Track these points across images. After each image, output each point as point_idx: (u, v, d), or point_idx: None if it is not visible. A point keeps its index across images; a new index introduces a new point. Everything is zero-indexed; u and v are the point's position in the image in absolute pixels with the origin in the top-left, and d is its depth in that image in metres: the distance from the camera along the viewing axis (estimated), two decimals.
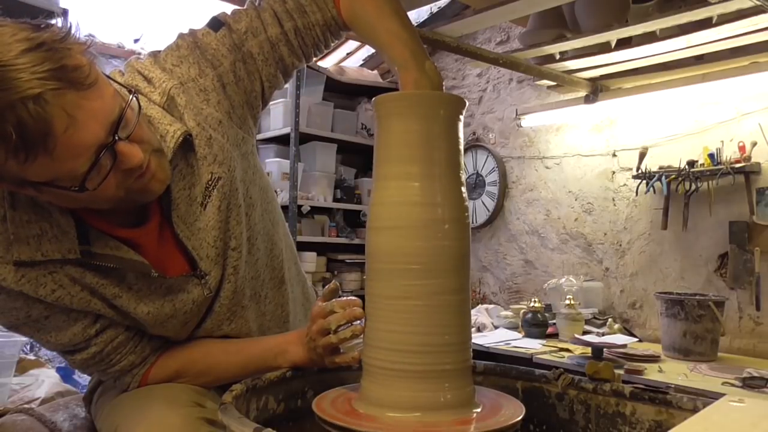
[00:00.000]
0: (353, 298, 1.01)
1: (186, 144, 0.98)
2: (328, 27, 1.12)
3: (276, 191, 3.63)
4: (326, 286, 1.06)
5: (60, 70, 0.76)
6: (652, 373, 2.24)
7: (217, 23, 1.07)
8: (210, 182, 1.01)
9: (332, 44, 1.18)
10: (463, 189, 0.91)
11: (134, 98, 0.86)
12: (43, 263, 0.89)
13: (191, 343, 1.10)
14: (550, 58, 2.70)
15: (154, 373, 1.07)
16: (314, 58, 1.18)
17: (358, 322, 0.98)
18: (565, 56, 2.68)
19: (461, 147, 0.92)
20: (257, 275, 1.13)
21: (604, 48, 2.51)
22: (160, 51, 1.06)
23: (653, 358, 2.43)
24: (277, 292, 1.19)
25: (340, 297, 1.04)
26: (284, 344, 1.06)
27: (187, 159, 0.99)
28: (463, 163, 0.92)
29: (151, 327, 1.03)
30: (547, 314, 2.99)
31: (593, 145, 3.30)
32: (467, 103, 0.94)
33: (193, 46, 1.05)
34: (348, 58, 4.44)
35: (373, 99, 0.95)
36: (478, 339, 2.79)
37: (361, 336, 0.94)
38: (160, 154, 0.91)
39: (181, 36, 1.08)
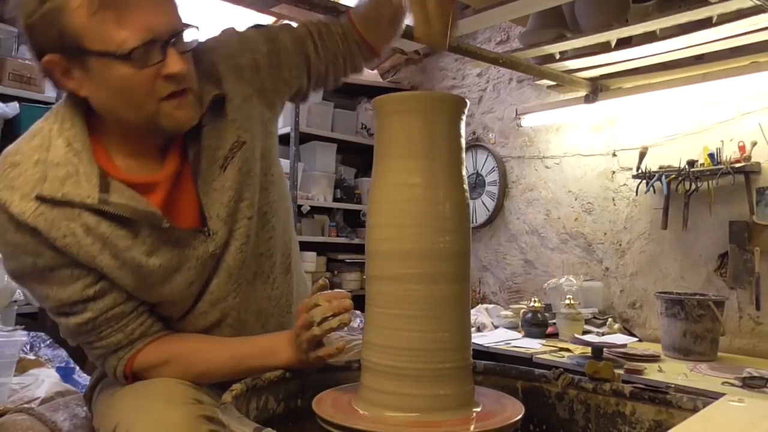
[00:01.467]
0: (341, 291, 1.00)
1: (217, 106, 1.06)
2: (345, 37, 1.23)
3: None
4: (315, 283, 1.05)
5: None
6: (652, 373, 2.24)
7: (256, 25, 1.22)
8: (235, 144, 1.07)
9: (348, 70, 1.28)
10: (465, 189, 0.91)
11: (197, 31, 0.97)
12: (61, 205, 0.94)
13: (184, 336, 1.09)
14: (550, 58, 2.70)
15: (141, 359, 1.04)
16: (331, 76, 1.27)
17: (347, 314, 0.98)
18: (565, 56, 2.68)
19: (463, 147, 0.92)
20: (269, 254, 1.15)
21: (604, 48, 2.51)
22: None
23: (653, 358, 2.43)
24: (284, 279, 1.20)
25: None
26: (277, 345, 1.04)
27: (216, 122, 1.06)
28: (464, 162, 0.92)
29: (159, 284, 1.02)
30: (547, 314, 2.99)
31: (593, 145, 3.30)
32: (468, 104, 0.95)
33: (236, 33, 1.18)
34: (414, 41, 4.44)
35: (374, 99, 0.95)
36: (478, 339, 2.79)
37: (358, 336, 0.95)
38: (196, 96, 1.00)
39: (225, 29, 1.20)
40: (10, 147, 1.00)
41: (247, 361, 1.05)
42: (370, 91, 4.13)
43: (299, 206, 3.72)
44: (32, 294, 1.02)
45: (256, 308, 1.15)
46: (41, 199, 0.93)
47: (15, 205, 0.93)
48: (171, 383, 1.04)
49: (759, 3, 1.92)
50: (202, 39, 1.03)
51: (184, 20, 0.97)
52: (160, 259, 1.01)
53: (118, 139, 1.02)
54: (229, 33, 1.18)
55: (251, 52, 1.14)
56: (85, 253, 0.96)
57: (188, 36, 0.97)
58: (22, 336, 1.91)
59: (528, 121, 3.43)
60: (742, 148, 2.68)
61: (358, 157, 4.32)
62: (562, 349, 2.63)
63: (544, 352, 2.60)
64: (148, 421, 0.94)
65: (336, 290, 1.00)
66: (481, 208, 3.75)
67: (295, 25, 1.24)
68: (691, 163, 2.78)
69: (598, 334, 2.79)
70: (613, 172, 3.21)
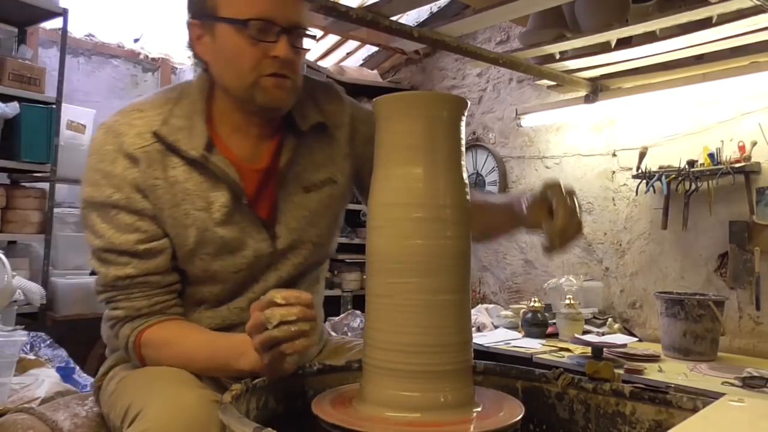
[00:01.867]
0: (304, 294, 0.91)
1: (320, 134, 1.18)
2: None
3: None
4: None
5: None
6: (652, 373, 2.24)
7: None
8: (327, 180, 1.18)
9: None
10: (466, 189, 0.91)
11: (312, 40, 1.10)
12: (168, 150, 1.06)
13: (183, 323, 1.11)
14: (550, 58, 2.70)
15: (149, 334, 1.07)
16: None
17: (310, 323, 0.90)
18: (565, 56, 2.68)
19: (463, 147, 0.92)
20: (312, 276, 1.23)
21: (604, 48, 2.51)
22: None
23: (653, 358, 2.43)
24: (308, 289, 1.21)
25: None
26: (248, 345, 0.95)
27: (314, 149, 1.17)
28: (464, 161, 0.92)
29: (212, 257, 1.09)
30: (547, 314, 2.99)
31: (593, 145, 3.30)
32: (469, 104, 0.95)
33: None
34: (348, 58, 4.44)
35: (374, 99, 0.95)
36: (478, 339, 2.79)
37: (357, 336, 0.93)
38: (295, 92, 1.10)
39: None
40: (140, 98, 1.14)
41: (220, 359, 1.03)
42: (370, 91, 4.12)
43: None
44: (90, 229, 1.08)
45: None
46: (156, 135, 1.06)
47: (128, 137, 1.06)
48: (178, 369, 1.05)
49: (759, 3, 1.92)
50: (312, 47, 1.15)
51: (308, 26, 1.09)
52: (224, 231, 1.08)
53: (231, 113, 1.12)
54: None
55: (368, 125, 1.18)
56: (166, 201, 1.06)
57: (306, 42, 1.09)
58: (22, 336, 1.91)
59: (528, 121, 3.43)
60: (742, 148, 2.68)
61: None
62: (562, 349, 2.64)
63: (544, 352, 2.60)
64: (161, 403, 0.94)
65: (300, 293, 0.91)
66: None
67: None
68: (691, 163, 2.78)
69: (598, 334, 2.79)
70: (613, 172, 3.21)
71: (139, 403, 0.97)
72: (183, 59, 4.31)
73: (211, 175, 1.08)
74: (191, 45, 1.12)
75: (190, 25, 1.10)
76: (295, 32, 1.06)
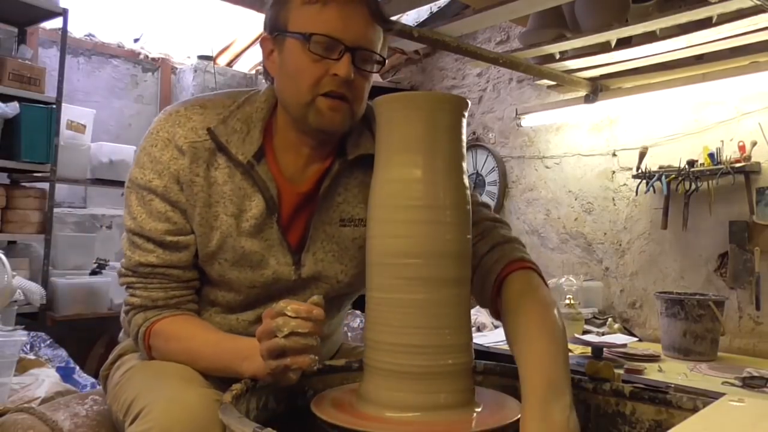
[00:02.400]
0: (317, 309, 0.90)
1: (365, 168, 1.08)
2: (481, 261, 1.10)
3: None
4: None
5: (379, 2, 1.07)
6: (652, 373, 2.24)
7: None
8: (362, 220, 1.13)
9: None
10: (466, 189, 0.91)
11: (381, 63, 1.09)
12: (218, 150, 1.07)
13: (194, 319, 1.12)
14: (550, 58, 2.70)
15: (159, 327, 1.08)
16: None
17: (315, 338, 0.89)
18: (565, 56, 2.68)
19: (464, 147, 0.92)
20: (334, 305, 1.20)
21: (604, 48, 2.51)
22: None
23: (653, 358, 2.43)
24: (330, 312, 1.19)
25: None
26: (253, 350, 0.96)
27: (356, 182, 1.14)
28: (465, 162, 0.92)
29: (230, 265, 1.09)
30: None
31: (593, 145, 3.30)
32: (469, 104, 0.95)
33: None
34: None
35: (374, 99, 0.95)
36: (478, 339, 2.79)
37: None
38: (353, 115, 1.08)
39: None
40: (208, 94, 1.16)
41: (225, 361, 1.03)
42: (371, 91, 4.12)
43: None
44: (127, 209, 1.10)
45: None
46: (210, 132, 1.07)
47: (182, 130, 1.07)
48: (182, 365, 1.05)
49: (759, 3, 1.92)
50: (378, 69, 1.11)
51: (378, 50, 1.07)
52: (247, 244, 1.08)
53: (286, 132, 1.11)
54: None
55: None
56: (200, 199, 1.07)
57: (373, 65, 1.08)
58: (22, 336, 1.91)
59: (528, 121, 3.43)
60: (742, 148, 2.68)
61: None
62: None
63: None
64: (164, 402, 0.94)
65: (311, 306, 0.90)
66: None
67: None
68: (691, 163, 2.78)
69: (598, 334, 2.79)
70: (613, 172, 3.21)
71: (142, 400, 0.97)
72: (183, 59, 4.31)
73: (252, 184, 1.08)
74: (263, 61, 1.13)
75: (262, 41, 1.11)
76: (360, 53, 1.04)
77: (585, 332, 2.80)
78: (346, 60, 1.02)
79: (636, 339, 2.84)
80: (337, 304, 1.22)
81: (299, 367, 0.90)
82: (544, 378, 0.86)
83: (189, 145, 1.07)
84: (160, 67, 4.23)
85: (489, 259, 1.09)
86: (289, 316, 0.88)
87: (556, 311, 0.96)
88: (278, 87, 1.10)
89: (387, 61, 1.18)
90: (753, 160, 2.64)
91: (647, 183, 2.91)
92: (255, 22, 3.81)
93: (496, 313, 1.07)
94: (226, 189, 1.08)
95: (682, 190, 2.80)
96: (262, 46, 1.12)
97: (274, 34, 1.08)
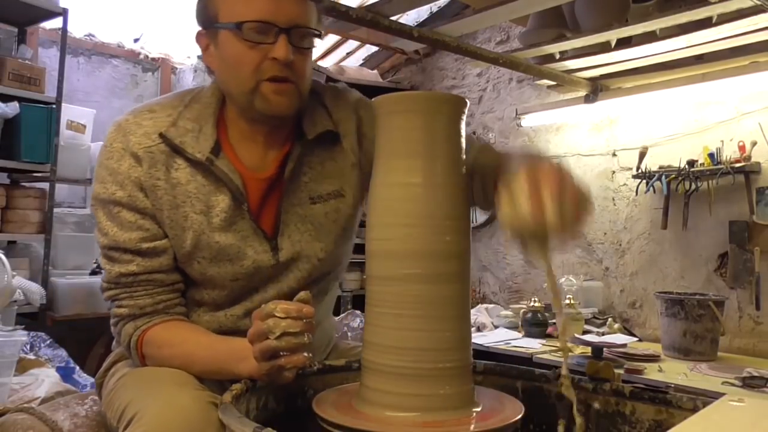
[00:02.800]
0: (306, 307, 0.90)
1: (329, 143, 1.14)
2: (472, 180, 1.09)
3: None
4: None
5: None
6: (652, 373, 2.24)
7: None
8: (333, 193, 1.15)
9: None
10: (466, 188, 0.91)
11: (319, 36, 1.08)
12: (173, 152, 1.06)
13: (185, 324, 1.11)
14: (549, 58, 2.70)
15: (152, 334, 1.07)
16: None
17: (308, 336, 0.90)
18: (565, 56, 2.68)
19: (463, 147, 0.91)
20: (319, 287, 1.19)
21: (604, 48, 2.51)
22: None
23: (653, 358, 2.43)
24: (314, 301, 1.17)
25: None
26: (247, 350, 0.96)
27: (324, 159, 1.15)
28: (465, 162, 0.92)
29: (209, 261, 1.08)
30: (547, 314, 2.99)
31: (593, 145, 3.30)
32: (469, 103, 0.94)
33: None
34: (348, 58, 4.44)
35: (374, 99, 0.95)
36: (478, 339, 2.79)
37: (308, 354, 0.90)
38: (300, 97, 1.07)
39: None
40: (154, 99, 1.16)
41: (220, 363, 1.02)
42: (370, 91, 4.10)
43: None
44: (97, 227, 1.09)
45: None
46: (163, 136, 1.06)
47: (135, 137, 1.07)
48: (176, 370, 1.05)
49: (759, 3, 1.92)
50: (315, 44, 1.10)
51: (313, 25, 1.06)
52: (221, 239, 1.08)
53: (238, 121, 1.11)
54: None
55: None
56: (165, 202, 1.06)
57: (311, 40, 1.07)
58: (22, 336, 1.91)
59: (528, 121, 3.43)
60: (742, 148, 2.68)
61: None
62: (562, 349, 2.63)
63: (544, 352, 2.60)
64: (158, 405, 0.94)
65: (299, 305, 0.90)
66: None
67: None
68: (691, 163, 2.78)
69: (598, 333, 2.79)
70: (613, 172, 3.21)
71: (136, 405, 0.96)
72: (183, 59, 4.31)
73: (215, 180, 1.07)
74: (202, 57, 1.13)
75: (198, 37, 1.11)
76: (295, 32, 1.03)
77: (585, 332, 2.80)
78: (282, 42, 1.01)
79: (636, 339, 2.84)
80: (322, 286, 1.21)
81: (294, 366, 0.90)
82: (522, 154, 0.91)
83: (144, 151, 1.06)
84: (160, 67, 4.23)
85: (481, 159, 1.08)
86: (280, 317, 0.88)
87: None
88: (221, 79, 1.10)
89: (382, 55, 1.18)
90: (753, 160, 2.64)
91: (647, 183, 2.91)
92: None
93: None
94: (190, 188, 1.07)
95: (682, 190, 2.80)
96: (198, 42, 1.11)
97: (207, 27, 1.08)
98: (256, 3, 1.01)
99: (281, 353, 0.90)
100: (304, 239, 1.13)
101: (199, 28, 1.11)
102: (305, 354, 0.90)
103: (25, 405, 1.36)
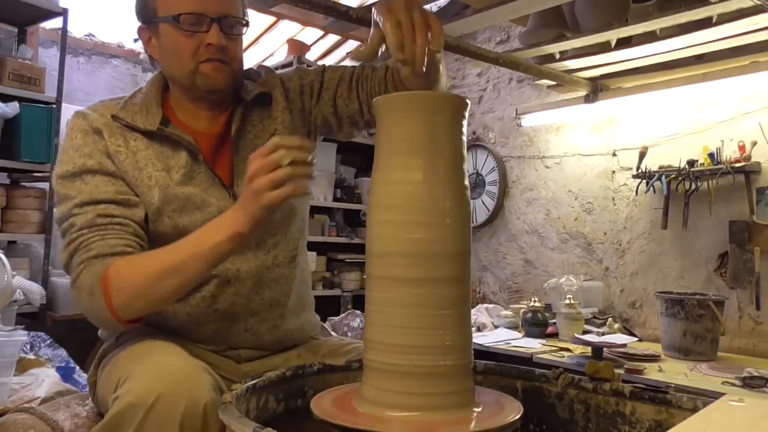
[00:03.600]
0: (306, 140, 1.00)
1: (265, 104, 1.28)
2: (385, 81, 1.29)
3: None
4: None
5: None
6: (652, 373, 2.24)
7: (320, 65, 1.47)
8: (272, 135, 1.25)
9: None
10: (466, 188, 0.91)
11: (246, 25, 1.23)
12: (127, 128, 1.19)
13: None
14: (550, 58, 2.70)
15: (116, 267, 1.04)
16: (367, 115, 1.31)
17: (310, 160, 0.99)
18: (565, 56, 2.68)
19: (464, 146, 0.92)
20: (274, 232, 1.25)
21: (604, 47, 2.51)
22: None
23: (653, 358, 2.43)
24: (287, 267, 1.29)
25: None
26: (220, 218, 1.04)
27: (262, 116, 1.28)
28: (465, 162, 0.92)
29: (178, 213, 1.17)
30: (547, 314, 2.99)
31: (593, 145, 3.30)
32: (469, 104, 0.94)
33: (297, 67, 1.42)
34: (348, 58, 4.44)
35: (374, 99, 0.95)
36: (478, 338, 2.79)
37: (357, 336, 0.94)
38: (233, 74, 1.21)
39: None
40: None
41: (196, 240, 1.04)
42: None
43: None
44: (65, 198, 1.14)
45: (253, 272, 1.22)
46: (115, 118, 1.19)
47: (92, 116, 1.20)
48: (168, 341, 1.07)
49: (759, 3, 1.92)
50: (245, 31, 1.24)
51: (240, 14, 1.21)
52: (186, 189, 1.18)
53: (182, 102, 1.25)
54: (294, 67, 1.47)
55: (300, 78, 1.35)
56: (129, 164, 1.17)
57: (240, 28, 1.21)
58: (22, 336, 1.91)
59: (528, 120, 3.43)
60: (742, 148, 2.68)
61: (358, 156, 4.32)
62: (562, 349, 2.64)
63: (544, 352, 2.60)
64: (147, 366, 0.96)
65: (290, 137, 1.09)
66: (481, 207, 3.75)
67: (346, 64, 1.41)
68: (691, 162, 2.78)
69: (598, 333, 2.79)
70: (613, 172, 3.21)
71: (126, 371, 0.98)
72: None
73: (170, 143, 1.20)
74: (145, 49, 1.27)
75: (140, 31, 1.25)
76: (225, 21, 1.17)
77: (585, 332, 2.80)
78: (214, 30, 1.16)
79: (636, 339, 2.84)
80: (283, 239, 1.26)
81: (299, 192, 0.97)
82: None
83: (104, 125, 1.18)
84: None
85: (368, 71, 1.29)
86: (289, 147, 0.96)
87: None
88: (165, 66, 1.24)
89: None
90: (753, 160, 2.64)
91: (647, 183, 2.91)
92: (256, 22, 3.81)
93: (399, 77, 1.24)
94: (149, 153, 1.18)
95: (682, 190, 2.80)
96: (140, 36, 1.25)
97: (148, 22, 1.21)
98: None
99: (288, 181, 0.96)
100: None
101: (140, 24, 1.24)
102: (308, 182, 0.98)
103: (26, 405, 1.36)
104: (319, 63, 4.16)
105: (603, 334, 2.79)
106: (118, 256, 1.07)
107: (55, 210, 1.18)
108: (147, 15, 1.22)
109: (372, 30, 1.03)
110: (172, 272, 1.03)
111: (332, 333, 2.70)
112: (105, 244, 1.07)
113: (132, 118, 1.20)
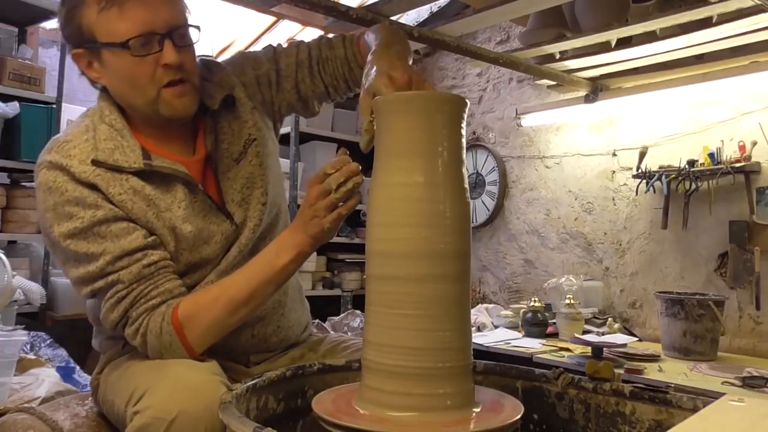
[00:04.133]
0: (343, 156, 1.04)
1: (230, 106, 1.22)
2: (347, 62, 1.29)
3: None
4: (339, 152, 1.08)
5: None
6: (652, 373, 2.24)
7: (267, 46, 1.34)
8: (247, 141, 1.22)
9: (353, 86, 1.32)
10: (466, 188, 0.91)
11: (197, 31, 1.11)
12: (113, 170, 1.08)
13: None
14: (550, 58, 2.70)
15: (186, 303, 1.08)
16: (335, 93, 1.33)
17: (358, 176, 1.03)
18: (565, 56, 2.68)
19: (464, 147, 0.92)
20: (270, 238, 1.24)
21: (604, 47, 2.51)
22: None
23: (653, 358, 2.43)
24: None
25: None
26: (280, 241, 1.10)
27: (230, 121, 1.22)
28: (465, 163, 0.92)
29: (189, 251, 1.13)
30: (547, 314, 2.99)
31: (593, 145, 3.30)
32: (469, 104, 0.94)
33: (243, 55, 1.34)
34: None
35: (374, 99, 0.95)
36: (478, 338, 2.79)
37: (357, 336, 0.95)
38: (195, 90, 1.13)
39: (237, 52, 1.37)
40: (59, 135, 1.15)
41: (259, 266, 1.09)
42: None
43: (299, 206, 3.72)
44: (82, 259, 1.06)
45: None
46: (96, 163, 1.08)
47: (75, 167, 1.07)
48: (187, 359, 1.07)
49: (759, 3, 1.92)
50: (198, 37, 1.15)
51: (188, 20, 1.11)
52: (191, 226, 1.13)
53: (147, 128, 1.15)
54: (240, 55, 1.35)
55: (253, 69, 1.28)
56: (138, 209, 1.09)
57: (191, 35, 1.12)
58: (22, 336, 1.91)
59: (528, 120, 3.43)
60: (742, 148, 2.68)
61: (358, 157, 4.27)
62: (562, 349, 2.63)
63: (544, 352, 2.60)
64: (170, 381, 0.96)
65: (340, 157, 1.04)
66: (481, 207, 3.75)
67: (302, 45, 1.33)
68: (691, 162, 2.78)
69: (598, 333, 2.79)
70: (613, 172, 3.21)
71: (146, 384, 0.98)
72: None
73: (163, 177, 1.12)
74: (84, 73, 1.14)
75: (75, 56, 1.12)
76: (176, 34, 1.08)
77: (585, 332, 2.80)
78: (168, 47, 1.06)
79: (636, 339, 2.84)
80: (270, 235, 1.25)
81: (348, 210, 1.05)
82: (383, 38, 1.16)
83: (93, 177, 1.07)
84: None
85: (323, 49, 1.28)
86: (331, 173, 1.01)
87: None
88: (117, 94, 1.13)
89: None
90: (753, 160, 2.64)
91: (647, 183, 2.91)
92: (256, 22, 3.81)
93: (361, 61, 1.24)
94: (147, 192, 1.10)
95: (682, 190, 2.80)
96: (76, 60, 1.12)
97: (86, 47, 1.09)
98: (131, 17, 1.04)
99: (340, 202, 1.03)
100: (244, 192, 1.20)
101: (73, 48, 1.11)
102: (358, 195, 1.05)
103: (26, 405, 1.37)
104: None
105: (603, 334, 2.79)
106: (178, 297, 1.09)
107: (71, 268, 1.08)
108: (81, 40, 1.09)
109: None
110: (244, 303, 1.08)
111: (330, 332, 2.70)
112: (163, 290, 1.08)
113: (112, 158, 1.09)
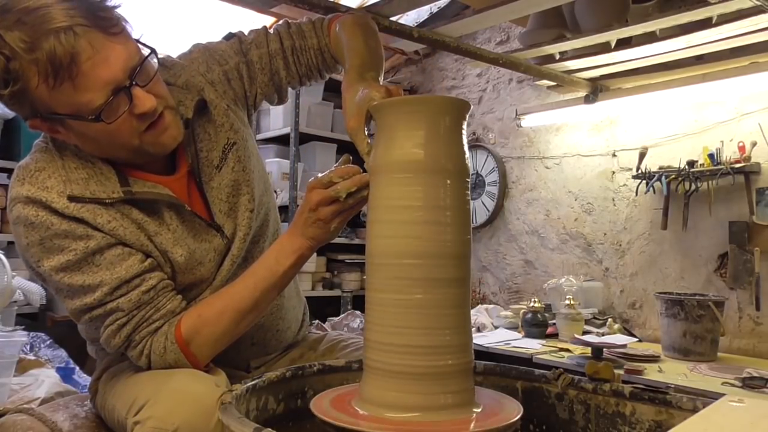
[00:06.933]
0: (352, 166, 1.01)
1: (203, 111, 1.15)
2: (321, 52, 1.27)
3: (276, 191, 3.63)
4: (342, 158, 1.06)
5: (90, 15, 0.93)
6: (652, 373, 2.24)
7: (230, 35, 1.27)
8: (226, 146, 1.17)
9: (326, 74, 1.31)
10: (467, 190, 0.91)
11: (154, 54, 1.01)
12: (92, 202, 1.01)
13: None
14: (550, 58, 2.70)
15: (187, 319, 1.06)
16: (308, 82, 1.32)
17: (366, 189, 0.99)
18: (565, 56, 2.68)
19: (465, 149, 0.92)
20: (260, 240, 1.23)
21: (604, 48, 2.51)
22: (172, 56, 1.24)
23: (653, 358, 2.43)
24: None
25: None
26: (278, 246, 1.08)
27: (206, 127, 1.16)
28: (466, 164, 0.92)
29: (183, 273, 1.10)
30: (547, 314, 2.99)
31: (593, 145, 3.30)
32: (471, 107, 0.94)
33: (204, 49, 1.24)
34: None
35: (374, 104, 0.95)
36: (478, 339, 2.79)
37: (357, 336, 0.94)
38: (174, 112, 1.06)
39: (194, 45, 1.26)
40: (27, 161, 1.07)
41: (260, 273, 1.07)
42: None
43: (299, 206, 3.71)
44: (78, 291, 1.01)
45: None
46: (72, 198, 1.00)
47: (56, 202, 1.00)
48: (189, 369, 1.05)
49: (759, 3, 1.92)
50: (160, 58, 1.08)
51: (140, 48, 1.01)
52: (183, 249, 1.09)
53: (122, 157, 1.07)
54: (200, 49, 1.24)
55: (219, 64, 1.21)
56: (131, 234, 1.04)
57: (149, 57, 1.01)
58: (22, 336, 1.91)
59: (528, 121, 3.43)
60: (741, 149, 2.68)
61: (358, 157, 4.30)
62: (562, 350, 2.63)
63: (544, 353, 2.60)
64: (171, 391, 0.95)
65: (347, 166, 1.01)
66: (481, 208, 3.75)
67: (271, 34, 1.28)
68: (691, 163, 2.78)
69: (598, 334, 2.79)
70: (613, 173, 3.21)
71: (145, 395, 0.98)
72: None
73: (147, 203, 1.06)
74: (49, 134, 1.05)
75: (34, 126, 1.02)
76: (139, 74, 0.98)
77: (585, 332, 2.80)
78: (138, 95, 0.97)
79: (636, 339, 2.84)
80: (266, 245, 1.23)
81: (354, 214, 1.03)
82: (357, 58, 1.12)
83: (77, 210, 1.00)
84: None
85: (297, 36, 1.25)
86: (338, 182, 0.98)
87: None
88: (94, 151, 1.04)
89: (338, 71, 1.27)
90: (753, 160, 2.64)
91: (647, 183, 2.91)
92: (256, 22, 3.81)
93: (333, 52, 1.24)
94: (135, 216, 1.05)
95: (682, 191, 2.80)
96: (36, 128, 1.02)
97: (43, 117, 0.98)
98: (92, 84, 0.93)
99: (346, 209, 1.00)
100: (230, 201, 1.16)
101: (30, 120, 1.00)
102: (360, 205, 1.01)
103: (25, 405, 1.37)
104: None
105: (603, 334, 2.79)
106: (179, 315, 1.08)
107: (66, 300, 1.04)
108: (34, 111, 0.97)
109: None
110: (250, 311, 1.08)
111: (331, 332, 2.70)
112: (165, 312, 1.06)
113: (89, 191, 1.01)
